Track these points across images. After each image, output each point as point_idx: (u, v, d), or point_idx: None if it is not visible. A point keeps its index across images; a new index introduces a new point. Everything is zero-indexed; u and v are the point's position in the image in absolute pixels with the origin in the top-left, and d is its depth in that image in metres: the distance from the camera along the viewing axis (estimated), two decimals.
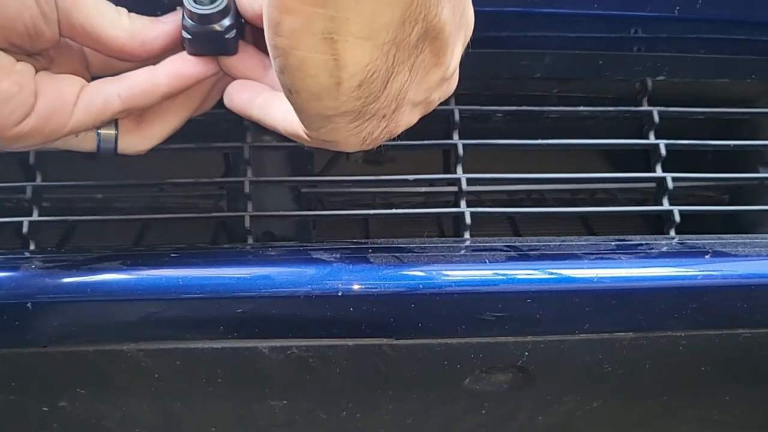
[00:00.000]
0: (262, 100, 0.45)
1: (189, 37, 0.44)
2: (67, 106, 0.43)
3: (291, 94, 0.36)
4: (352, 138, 0.40)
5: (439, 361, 0.50)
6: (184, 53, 0.45)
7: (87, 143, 0.47)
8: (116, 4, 0.44)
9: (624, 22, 0.54)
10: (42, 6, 0.41)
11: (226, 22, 0.43)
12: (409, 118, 0.43)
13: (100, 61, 0.47)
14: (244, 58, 0.47)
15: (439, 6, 0.36)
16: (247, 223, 0.53)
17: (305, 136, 0.42)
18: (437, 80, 0.41)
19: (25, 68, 0.42)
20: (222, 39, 0.44)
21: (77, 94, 0.44)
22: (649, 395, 0.59)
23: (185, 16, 0.43)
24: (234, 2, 0.44)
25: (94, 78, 0.47)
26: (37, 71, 0.44)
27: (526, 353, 0.50)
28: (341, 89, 0.35)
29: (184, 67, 0.45)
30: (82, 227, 0.62)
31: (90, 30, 0.43)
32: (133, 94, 0.44)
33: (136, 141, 0.48)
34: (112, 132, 0.47)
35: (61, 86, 0.44)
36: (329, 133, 0.39)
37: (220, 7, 0.43)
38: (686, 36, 0.56)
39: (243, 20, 0.45)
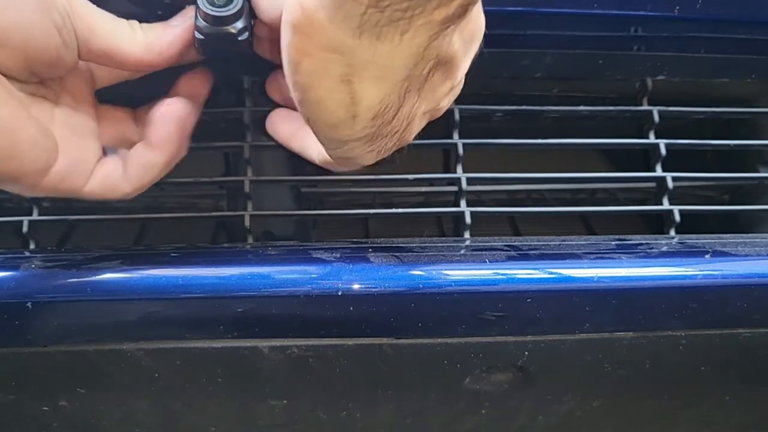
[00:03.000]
0: (303, 134, 0.50)
1: (202, 38, 0.44)
2: (85, 172, 0.46)
3: (309, 122, 0.38)
4: (369, 155, 0.42)
5: (439, 360, 0.50)
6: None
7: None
8: (120, 7, 0.45)
9: (624, 22, 0.54)
10: (64, 36, 0.41)
11: (240, 24, 0.44)
12: (420, 125, 0.44)
13: (107, 73, 0.48)
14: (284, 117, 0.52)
15: (450, 41, 0.37)
16: (247, 223, 0.53)
17: (338, 166, 0.45)
18: (446, 92, 0.43)
19: (43, 114, 0.44)
20: (235, 41, 0.44)
21: (95, 161, 0.47)
22: (649, 395, 0.59)
23: (199, 17, 0.44)
24: (248, 4, 0.44)
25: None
26: (50, 100, 0.45)
27: (526, 353, 0.50)
28: (356, 121, 0.37)
29: (170, 136, 0.47)
30: (82, 227, 0.62)
31: (109, 53, 0.44)
32: (138, 178, 0.47)
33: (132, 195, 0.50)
34: None
35: (82, 149, 0.46)
36: (346, 153, 0.41)
37: (235, 10, 0.43)
38: (686, 35, 0.56)
39: (254, 22, 0.45)
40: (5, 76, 0.41)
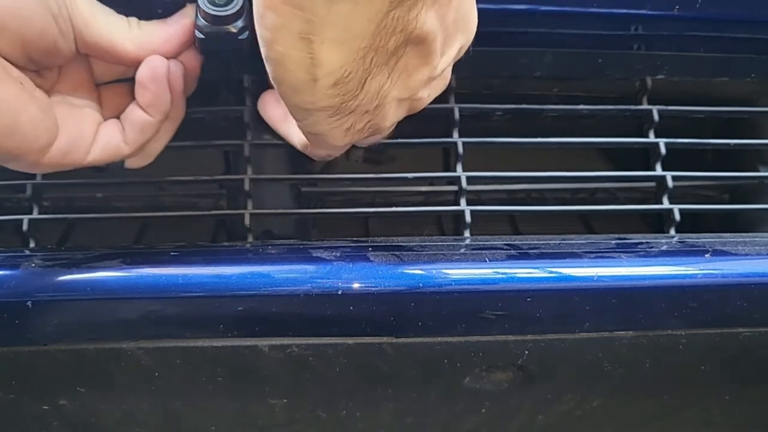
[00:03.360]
0: (290, 119, 0.47)
1: (202, 37, 0.44)
2: (86, 144, 0.46)
3: (275, 84, 0.38)
4: (336, 131, 0.41)
5: (439, 359, 0.50)
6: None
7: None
8: (119, 4, 0.45)
9: (624, 21, 0.54)
10: (60, 25, 0.42)
11: (240, 23, 0.44)
12: (396, 113, 0.44)
13: (106, 68, 0.49)
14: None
15: (420, 18, 0.37)
16: (247, 221, 0.53)
17: (315, 149, 0.45)
18: (424, 79, 0.42)
19: (42, 95, 0.44)
20: (236, 40, 0.44)
21: (95, 131, 0.47)
22: (649, 395, 0.59)
23: (199, 16, 0.44)
24: (248, 3, 0.44)
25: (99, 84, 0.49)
26: (47, 89, 0.46)
27: (526, 352, 0.50)
28: (317, 86, 0.36)
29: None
30: (81, 225, 0.62)
31: (104, 46, 0.44)
32: (136, 139, 0.48)
33: (138, 160, 0.51)
34: None
35: (82, 122, 0.47)
36: (312, 126, 0.41)
37: (235, 9, 0.43)
38: (686, 34, 0.56)
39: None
40: (5, 59, 0.41)
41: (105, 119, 0.49)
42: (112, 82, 0.50)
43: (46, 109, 0.44)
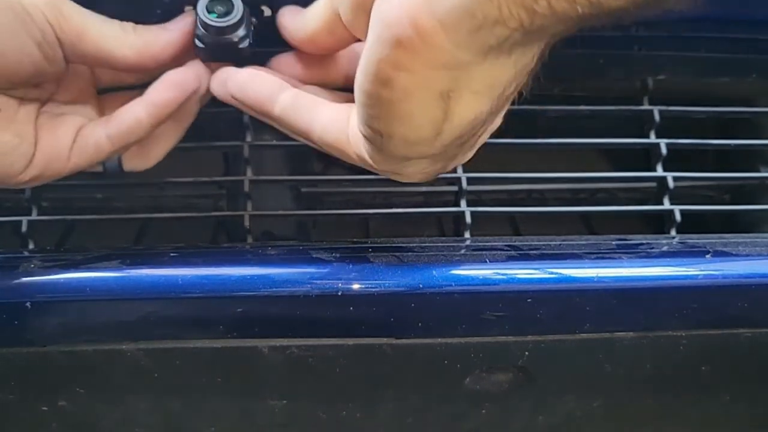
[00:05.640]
0: (292, 99, 0.42)
1: (202, 46, 0.44)
2: (62, 153, 0.45)
3: (381, 137, 0.34)
4: (418, 174, 0.39)
5: (439, 360, 0.50)
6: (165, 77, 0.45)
7: (93, 167, 0.48)
8: (118, 7, 0.44)
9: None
10: (44, 49, 0.40)
11: (241, 32, 0.43)
12: (470, 156, 0.42)
13: (110, 75, 0.48)
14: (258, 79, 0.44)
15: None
16: (247, 223, 0.53)
17: (353, 156, 0.40)
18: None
19: (26, 115, 0.43)
20: (236, 49, 0.44)
21: (73, 138, 0.45)
22: (649, 395, 0.59)
23: (199, 26, 0.43)
24: (247, 12, 0.43)
25: (106, 90, 0.48)
26: (44, 99, 0.45)
27: (527, 353, 0.50)
28: (439, 139, 0.33)
29: (161, 95, 0.44)
30: (81, 226, 0.62)
31: (99, 55, 0.43)
32: (121, 133, 0.44)
33: (139, 162, 0.49)
34: (114, 158, 0.48)
35: (58, 133, 0.45)
36: (398, 169, 0.38)
37: (236, 19, 0.43)
38: (687, 35, 0.56)
39: (254, 27, 0.45)
40: None
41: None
42: (117, 89, 0.49)
43: (24, 131, 0.43)
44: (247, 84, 0.43)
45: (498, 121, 0.39)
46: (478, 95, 0.31)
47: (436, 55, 0.29)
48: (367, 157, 0.38)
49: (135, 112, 0.44)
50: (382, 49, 0.30)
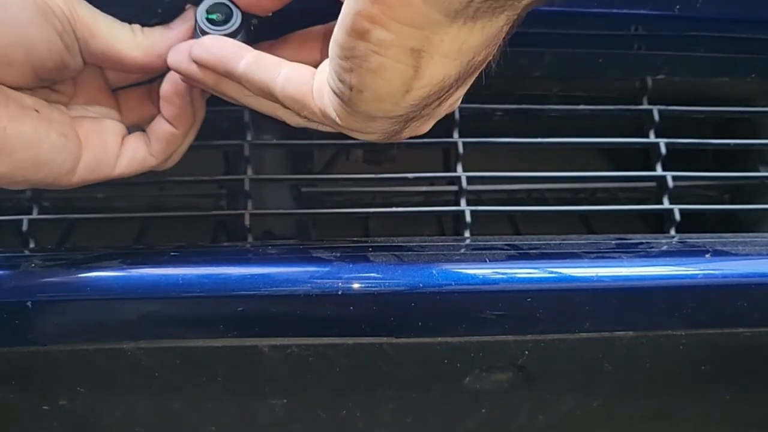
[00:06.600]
0: (256, 57, 0.42)
1: None
2: (111, 160, 0.47)
3: (351, 91, 0.36)
4: (378, 134, 0.40)
5: (439, 360, 0.50)
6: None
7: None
8: (118, 6, 0.45)
9: (624, 21, 0.54)
10: (65, 40, 0.42)
11: (240, 39, 0.44)
12: (430, 125, 0.43)
13: (119, 75, 0.49)
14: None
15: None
16: (247, 222, 0.53)
17: (315, 110, 0.40)
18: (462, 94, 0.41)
19: (60, 116, 0.45)
20: None
21: (120, 143, 0.48)
22: (649, 395, 0.59)
23: (198, 33, 0.44)
24: (245, 19, 0.44)
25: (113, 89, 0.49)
26: (65, 102, 0.46)
27: (527, 352, 0.50)
28: (407, 97, 0.35)
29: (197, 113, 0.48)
30: (81, 226, 0.62)
31: (109, 55, 0.44)
32: (163, 150, 0.48)
33: (163, 164, 0.50)
34: None
35: (105, 136, 0.47)
36: (363, 127, 0.39)
37: (234, 27, 0.44)
38: (686, 34, 0.56)
39: (252, 28, 0.45)
40: (16, 89, 0.42)
41: (126, 126, 0.49)
42: (129, 86, 0.50)
43: (67, 130, 0.44)
44: (213, 45, 0.43)
45: (460, 94, 0.41)
46: (447, 59, 0.33)
47: (409, 12, 0.31)
48: (331, 112, 0.39)
49: (172, 130, 0.47)
50: (361, 3, 0.32)
